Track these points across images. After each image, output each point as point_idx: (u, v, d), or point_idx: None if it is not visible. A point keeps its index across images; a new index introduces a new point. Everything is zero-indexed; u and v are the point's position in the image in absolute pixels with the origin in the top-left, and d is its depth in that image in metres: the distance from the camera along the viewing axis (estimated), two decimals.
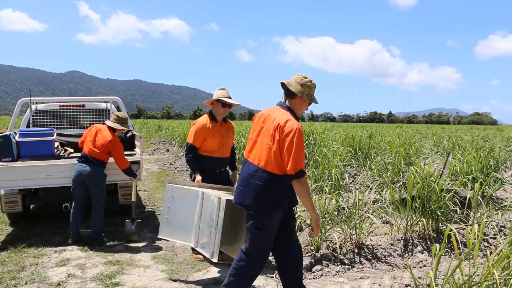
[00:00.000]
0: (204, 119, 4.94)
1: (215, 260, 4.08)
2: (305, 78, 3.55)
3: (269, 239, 3.53)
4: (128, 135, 7.32)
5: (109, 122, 5.77)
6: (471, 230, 5.68)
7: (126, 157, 5.75)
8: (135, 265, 4.88)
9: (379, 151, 10.37)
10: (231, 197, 3.95)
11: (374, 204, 6.61)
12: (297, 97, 3.53)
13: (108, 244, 5.55)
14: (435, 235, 5.63)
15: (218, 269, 4.78)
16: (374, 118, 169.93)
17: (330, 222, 5.36)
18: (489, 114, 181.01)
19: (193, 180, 4.80)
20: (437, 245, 3.56)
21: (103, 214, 5.60)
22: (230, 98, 4.90)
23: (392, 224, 5.76)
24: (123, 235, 5.74)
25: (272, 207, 3.44)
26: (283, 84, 3.59)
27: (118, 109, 7.96)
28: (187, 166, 12.43)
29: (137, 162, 6.13)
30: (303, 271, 4.68)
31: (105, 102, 7.71)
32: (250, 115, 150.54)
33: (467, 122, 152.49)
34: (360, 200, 5.57)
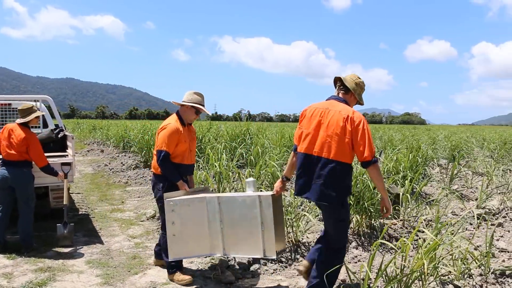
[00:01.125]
0: (175, 122, 4.52)
1: (274, 256, 3.98)
2: (359, 78, 3.84)
3: (348, 226, 3.81)
4: (59, 136, 7.05)
5: (18, 120, 5.49)
6: (402, 226, 5.95)
7: (56, 158, 5.53)
8: (68, 271, 4.70)
9: None
10: (271, 193, 4.04)
11: (310, 202, 6.74)
12: (350, 93, 3.78)
13: (38, 250, 5.31)
14: (369, 231, 5.82)
15: (156, 272, 4.71)
16: None
17: None
18: (418, 114, 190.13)
19: (168, 189, 4.43)
20: (378, 241, 3.67)
21: (32, 217, 5.34)
22: (204, 106, 4.70)
23: None
24: (55, 240, 5.51)
25: (347, 196, 3.70)
26: (338, 79, 3.84)
27: (49, 109, 7.64)
28: (123, 167, 12.25)
29: (69, 164, 5.92)
30: (242, 271, 4.73)
31: (34, 101, 7.37)
32: None
33: (398, 122, 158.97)
34: (296, 198, 5.66)
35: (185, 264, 4.93)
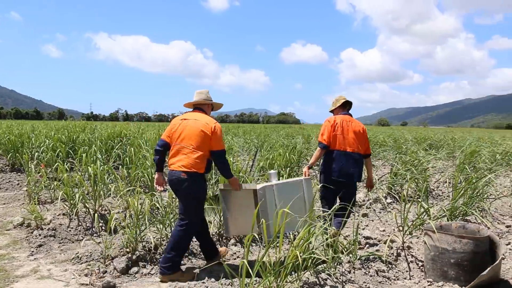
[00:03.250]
0: None
1: None
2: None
3: None
4: None
5: None
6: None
7: None
8: None
9: None
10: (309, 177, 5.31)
11: None
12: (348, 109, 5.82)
13: None
14: None
15: (24, 284, 4.38)
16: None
17: (145, 223, 5.29)
18: (293, 114, 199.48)
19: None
20: (249, 236, 3.77)
21: None
22: None
23: (207, 220, 5.94)
24: None
25: None
26: (348, 102, 5.74)
27: None
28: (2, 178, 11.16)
29: None
30: (120, 274, 4.60)
31: None
32: (60, 114, 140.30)
33: (274, 122, 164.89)
34: (174, 198, 5.63)
35: (60, 272, 4.67)
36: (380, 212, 7.53)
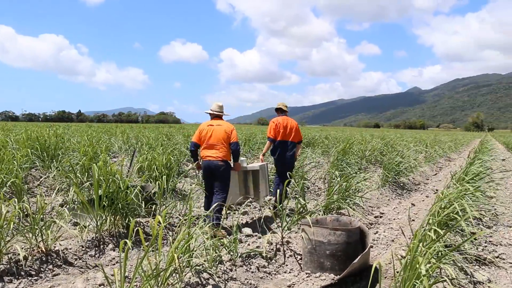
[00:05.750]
0: None
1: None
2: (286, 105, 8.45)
3: None
4: None
5: None
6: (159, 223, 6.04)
7: None
8: None
9: (67, 152, 9.97)
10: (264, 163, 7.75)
11: (62, 207, 6.33)
12: (286, 112, 8.26)
13: None
14: (126, 231, 5.75)
15: None
16: (63, 117, 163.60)
17: (11, 232, 4.82)
18: (173, 114, 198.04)
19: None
20: (125, 240, 3.62)
21: None
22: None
23: (82, 226, 5.61)
24: None
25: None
26: (280, 109, 8.22)
27: None
28: None
29: None
30: None
31: None
32: None
33: (154, 121, 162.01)
34: (45, 204, 5.23)
35: None
36: (259, 210, 7.70)
